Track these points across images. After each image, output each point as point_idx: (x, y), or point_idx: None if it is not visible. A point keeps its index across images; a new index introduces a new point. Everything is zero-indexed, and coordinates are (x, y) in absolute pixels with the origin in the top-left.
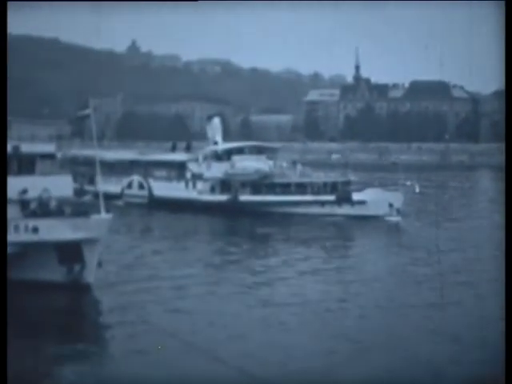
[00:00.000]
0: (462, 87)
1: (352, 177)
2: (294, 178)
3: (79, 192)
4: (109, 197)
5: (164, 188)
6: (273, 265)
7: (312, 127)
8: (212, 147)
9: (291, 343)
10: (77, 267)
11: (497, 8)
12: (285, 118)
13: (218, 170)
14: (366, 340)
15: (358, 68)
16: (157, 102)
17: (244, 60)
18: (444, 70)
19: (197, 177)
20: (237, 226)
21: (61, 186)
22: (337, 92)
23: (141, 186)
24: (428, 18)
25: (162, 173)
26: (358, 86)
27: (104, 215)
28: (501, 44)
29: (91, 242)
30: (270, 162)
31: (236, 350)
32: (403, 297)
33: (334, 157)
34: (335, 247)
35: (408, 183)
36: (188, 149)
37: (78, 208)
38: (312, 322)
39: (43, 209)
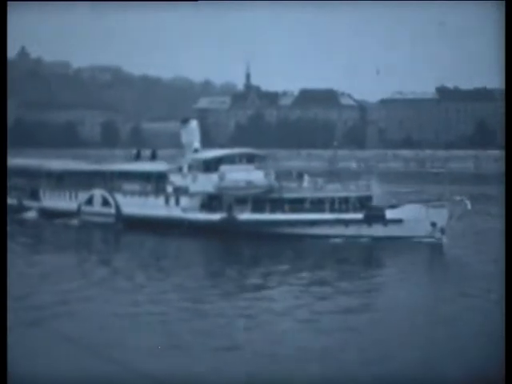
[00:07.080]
0: (349, 95)
1: (377, 190)
2: (307, 191)
3: (18, 208)
4: (61, 214)
5: (137, 204)
6: (280, 303)
7: (202, 135)
8: (196, 155)
9: None
10: None
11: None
12: (176, 126)
13: (206, 182)
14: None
15: (248, 76)
16: (47, 109)
17: (135, 67)
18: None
19: (181, 191)
20: (234, 251)
21: None
22: (228, 100)
23: (105, 202)
24: (332, 21)
25: (134, 186)
26: (249, 94)
27: None
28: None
29: None
30: (261, 172)
31: None
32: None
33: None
34: (358, 280)
35: (457, 198)
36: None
37: None
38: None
39: None
